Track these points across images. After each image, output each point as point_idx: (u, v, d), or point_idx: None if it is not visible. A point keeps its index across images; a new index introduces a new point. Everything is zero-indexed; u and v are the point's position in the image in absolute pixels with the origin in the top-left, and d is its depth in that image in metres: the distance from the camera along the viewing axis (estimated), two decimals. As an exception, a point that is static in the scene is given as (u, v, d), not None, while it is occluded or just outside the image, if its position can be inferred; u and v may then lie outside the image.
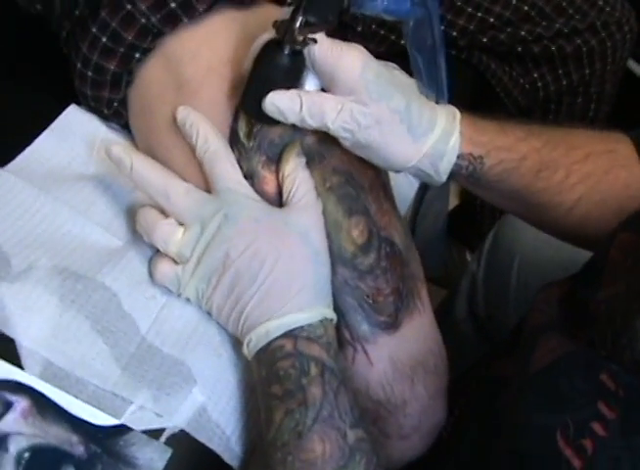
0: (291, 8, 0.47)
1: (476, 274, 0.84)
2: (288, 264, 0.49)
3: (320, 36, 0.48)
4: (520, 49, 0.81)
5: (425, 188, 0.77)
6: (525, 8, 0.79)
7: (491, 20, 0.78)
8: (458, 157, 0.52)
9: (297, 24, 0.46)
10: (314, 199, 0.52)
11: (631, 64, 1.18)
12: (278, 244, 0.50)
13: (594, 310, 0.46)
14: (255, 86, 0.50)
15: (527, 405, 0.42)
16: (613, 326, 0.42)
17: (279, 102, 0.48)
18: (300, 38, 0.47)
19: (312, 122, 0.49)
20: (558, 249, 0.75)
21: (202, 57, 0.56)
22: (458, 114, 0.53)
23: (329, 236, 0.52)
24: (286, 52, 0.47)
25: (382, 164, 0.53)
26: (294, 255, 0.50)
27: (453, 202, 1.24)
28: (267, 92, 0.48)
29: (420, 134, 0.51)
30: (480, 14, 0.78)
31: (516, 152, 0.53)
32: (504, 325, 0.79)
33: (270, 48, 0.48)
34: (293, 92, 0.49)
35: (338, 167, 0.54)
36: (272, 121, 0.50)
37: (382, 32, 0.78)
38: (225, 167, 0.52)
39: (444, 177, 0.53)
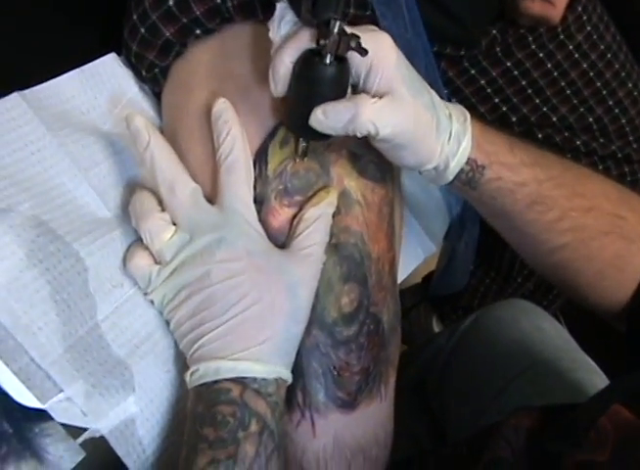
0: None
1: (443, 349, 0.80)
2: (264, 311, 0.46)
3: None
4: (568, 156, 0.79)
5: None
6: (590, 119, 0.77)
7: (554, 118, 0.76)
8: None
9: (337, 29, 0.41)
10: (319, 253, 0.49)
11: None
12: (262, 286, 0.46)
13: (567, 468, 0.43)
14: (300, 104, 0.45)
15: None
16: None
17: (329, 116, 0.44)
18: (344, 46, 0.42)
19: (359, 132, 0.45)
20: (538, 353, 0.72)
21: (261, 58, 0.52)
22: (468, 113, 0.50)
23: (317, 295, 0.49)
24: (327, 62, 0.43)
25: (410, 163, 0.49)
26: (274, 304, 0.46)
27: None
28: (312, 107, 0.44)
29: (442, 131, 0.48)
30: (545, 108, 0.75)
31: (517, 174, 0.51)
32: (452, 415, 0.75)
33: (309, 61, 0.44)
34: (341, 104, 0.44)
35: (351, 227, 0.51)
36: (321, 136, 0.46)
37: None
38: (239, 183, 0.48)
39: (451, 177, 0.50)
